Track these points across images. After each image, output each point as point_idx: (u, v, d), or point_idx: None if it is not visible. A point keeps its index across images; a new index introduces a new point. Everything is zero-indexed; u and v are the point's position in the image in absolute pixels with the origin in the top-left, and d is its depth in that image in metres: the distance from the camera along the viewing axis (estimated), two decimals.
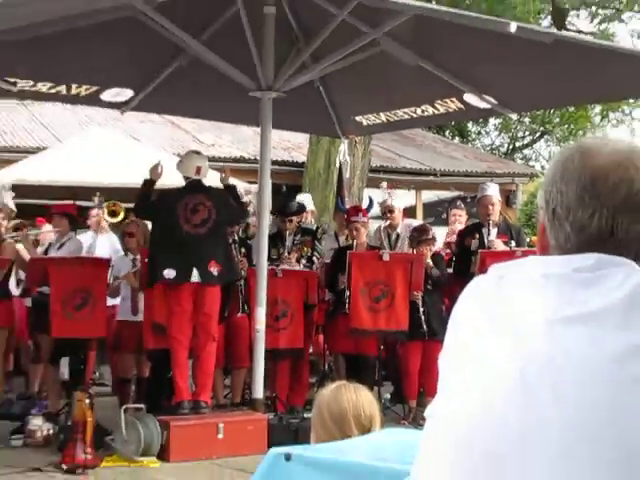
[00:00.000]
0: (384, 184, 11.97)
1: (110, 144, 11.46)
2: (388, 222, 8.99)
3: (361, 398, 2.32)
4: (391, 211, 8.95)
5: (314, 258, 8.29)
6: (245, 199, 10.26)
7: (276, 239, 8.10)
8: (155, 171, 7.33)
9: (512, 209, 16.62)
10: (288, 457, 1.82)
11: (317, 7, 6.72)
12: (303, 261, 8.20)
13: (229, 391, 8.22)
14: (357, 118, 8.65)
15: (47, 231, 8.64)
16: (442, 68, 7.23)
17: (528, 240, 8.84)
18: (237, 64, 6.97)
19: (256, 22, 6.72)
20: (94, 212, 9.16)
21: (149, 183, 7.35)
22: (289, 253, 8.12)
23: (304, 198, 9.97)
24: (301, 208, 8.69)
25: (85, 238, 8.76)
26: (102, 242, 9.09)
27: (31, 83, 7.16)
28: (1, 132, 15.10)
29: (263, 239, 7.34)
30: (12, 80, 6.55)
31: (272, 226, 8.28)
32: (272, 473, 1.83)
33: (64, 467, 6.17)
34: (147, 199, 7.32)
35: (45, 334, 7.53)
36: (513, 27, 5.59)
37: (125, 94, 7.89)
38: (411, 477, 1.36)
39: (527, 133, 29.70)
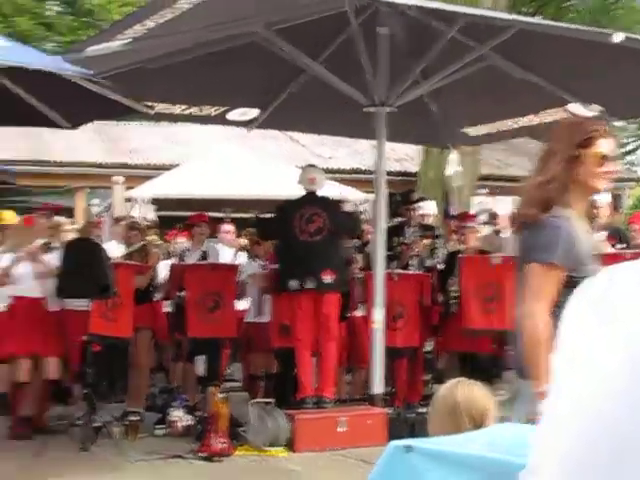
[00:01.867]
0: (483, 191, 11.82)
1: (237, 159, 11.66)
2: (497, 227, 8.98)
3: (474, 393, 2.30)
4: (495, 217, 8.99)
5: (439, 253, 8.28)
6: (360, 208, 10.32)
7: (397, 230, 8.13)
8: None
9: (618, 213, 16.11)
10: (409, 449, 1.83)
11: (427, 26, 6.68)
12: (427, 253, 8.20)
13: (350, 387, 8.25)
14: (464, 129, 8.55)
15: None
16: (546, 79, 7.08)
17: None
18: (350, 82, 6.99)
19: (370, 42, 6.73)
20: (225, 228, 9.34)
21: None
22: (409, 244, 8.11)
23: (426, 204, 9.97)
24: (421, 198, 8.80)
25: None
26: (227, 253, 9.25)
27: (167, 106, 7.40)
28: (139, 150, 15.60)
29: (380, 245, 7.27)
30: (150, 104, 6.78)
31: (391, 220, 8.34)
32: (393, 463, 1.85)
33: (202, 455, 6.35)
34: (263, 224, 7.69)
35: (183, 334, 7.73)
36: (618, 37, 5.41)
37: (251, 113, 8.04)
38: (526, 470, 1.34)
39: (631, 139, 28.72)
